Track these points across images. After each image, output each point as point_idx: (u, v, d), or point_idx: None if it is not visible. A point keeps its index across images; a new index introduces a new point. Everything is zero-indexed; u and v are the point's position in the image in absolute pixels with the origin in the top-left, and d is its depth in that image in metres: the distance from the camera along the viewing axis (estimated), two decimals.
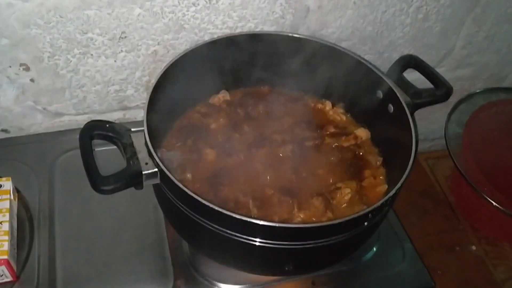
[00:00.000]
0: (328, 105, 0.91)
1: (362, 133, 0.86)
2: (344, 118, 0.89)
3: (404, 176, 0.69)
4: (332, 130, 0.86)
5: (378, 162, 0.83)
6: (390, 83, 0.81)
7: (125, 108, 0.96)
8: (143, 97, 0.94)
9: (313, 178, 0.79)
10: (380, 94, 0.83)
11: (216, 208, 0.62)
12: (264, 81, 0.92)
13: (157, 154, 0.68)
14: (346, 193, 0.76)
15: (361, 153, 0.84)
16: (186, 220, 0.68)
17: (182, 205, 0.67)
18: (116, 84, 0.91)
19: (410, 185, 1.06)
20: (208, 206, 0.62)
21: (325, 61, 0.86)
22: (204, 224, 0.66)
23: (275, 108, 0.89)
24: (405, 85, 0.82)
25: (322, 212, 0.74)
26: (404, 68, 0.87)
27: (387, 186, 0.78)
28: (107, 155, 0.74)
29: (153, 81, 0.76)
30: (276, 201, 0.75)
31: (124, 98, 0.94)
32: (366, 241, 0.77)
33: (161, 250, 0.79)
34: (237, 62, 0.88)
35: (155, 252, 0.79)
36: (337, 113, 0.90)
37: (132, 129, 0.72)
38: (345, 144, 0.84)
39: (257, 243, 0.65)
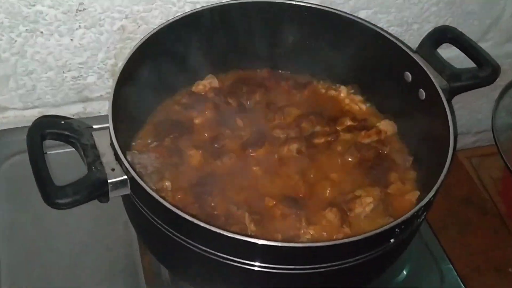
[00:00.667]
0: (343, 91, 0.91)
1: (387, 126, 0.86)
2: (363, 107, 0.90)
3: (440, 180, 0.69)
4: (348, 123, 0.87)
5: (407, 163, 0.83)
6: (420, 62, 0.81)
7: (85, 100, 0.96)
8: (108, 86, 0.95)
9: (325, 184, 0.79)
10: (408, 76, 0.83)
11: (203, 224, 0.62)
12: (262, 62, 0.93)
13: (126, 158, 0.68)
14: (367, 203, 0.76)
15: (385, 152, 0.84)
16: (165, 241, 0.68)
17: (160, 222, 0.67)
18: (74, 70, 0.91)
19: (449, 190, 1.08)
20: (192, 222, 0.62)
21: (339, 35, 0.86)
22: (188, 245, 0.66)
23: (276, 96, 0.89)
24: (440, 65, 0.83)
25: (337, 227, 0.74)
26: (438, 43, 0.87)
27: (419, 193, 0.79)
28: (62, 160, 0.74)
29: (121, 65, 0.76)
30: (278, 214, 0.75)
31: (83, 87, 0.94)
32: (394, 263, 0.77)
33: (134, 278, 0.79)
34: (227, 39, 0.88)
35: (127, 281, 0.79)
36: (354, 102, 0.90)
37: (94, 126, 0.72)
38: (366, 141, 0.85)
39: (256, 268, 0.65)
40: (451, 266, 0.86)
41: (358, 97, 0.90)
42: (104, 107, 0.98)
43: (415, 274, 0.84)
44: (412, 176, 0.82)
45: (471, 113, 1.23)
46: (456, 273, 0.85)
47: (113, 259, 0.81)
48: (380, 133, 0.86)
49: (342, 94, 0.91)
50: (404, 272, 0.85)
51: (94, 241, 0.83)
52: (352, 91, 0.91)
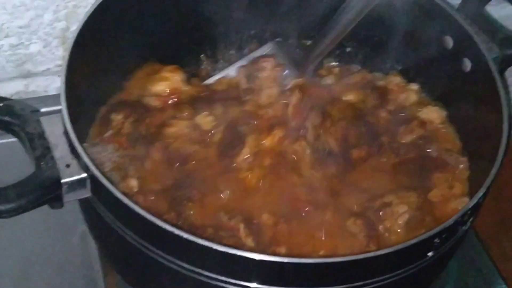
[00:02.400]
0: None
1: (431, 114, 0.87)
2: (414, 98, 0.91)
3: (492, 176, 0.70)
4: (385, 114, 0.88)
5: (460, 164, 0.84)
6: (464, 23, 0.82)
7: (28, 75, 0.97)
8: (57, 56, 0.95)
9: (347, 188, 0.81)
10: (449, 42, 0.84)
11: (186, 235, 0.62)
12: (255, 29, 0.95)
13: (85, 149, 0.69)
14: (399, 213, 0.77)
15: (431, 150, 0.85)
16: (136, 257, 0.69)
17: (130, 233, 0.68)
18: (12, 35, 0.91)
19: (501, 192, 1.09)
20: (172, 233, 0.62)
21: None
22: (166, 263, 0.66)
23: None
24: (490, 27, 0.84)
25: (362, 244, 0.75)
26: None
27: (467, 200, 0.79)
28: (2, 153, 0.74)
29: (75, 29, 0.77)
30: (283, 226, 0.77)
31: (25, 58, 0.94)
32: (431, 284, 0.79)
33: None
34: None
35: None
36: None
37: (43, 110, 0.73)
38: (406, 140, 0.86)
39: None
40: (505, 286, 0.88)
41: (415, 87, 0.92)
42: (52, 85, 0.98)
43: None
44: (464, 179, 0.83)
45: None
46: None
47: (67, 283, 0.83)
48: (425, 125, 0.87)
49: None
50: None
51: (42, 259, 0.84)
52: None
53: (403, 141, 0.86)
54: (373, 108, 0.89)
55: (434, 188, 0.81)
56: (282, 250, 0.74)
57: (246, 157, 0.81)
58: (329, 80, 0.94)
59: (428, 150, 0.85)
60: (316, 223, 0.77)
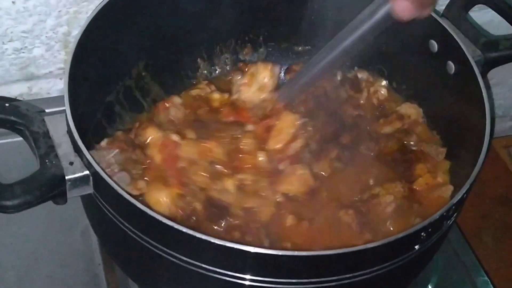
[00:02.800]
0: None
1: (409, 109, 0.88)
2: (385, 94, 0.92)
3: (475, 172, 0.71)
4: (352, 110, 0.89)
5: (440, 155, 0.85)
6: (449, 28, 0.82)
7: (31, 78, 0.96)
8: (59, 60, 0.95)
9: (339, 181, 0.82)
10: (434, 46, 0.85)
11: (185, 230, 0.63)
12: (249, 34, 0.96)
13: (87, 148, 0.69)
14: (387, 203, 0.78)
15: (411, 142, 0.86)
16: (136, 251, 0.69)
17: (131, 227, 0.68)
18: (16, 40, 0.91)
19: (483, 188, 1.09)
20: (172, 228, 0.63)
21: None
22: (165, 256, 0.67)
23: None
24: (473, 31, 0.84)
25: (356, 234, 0.76)
26: (469, 5, 0.88)
27: (452, 188, 0.81)
28: (8, 151, 0.74)
29: (76, 34, 0.77)
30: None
31: (29, 62, 0.94)
32: (417, 276, 0.79)
33: None
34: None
35: None
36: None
37: (47, 110, 0.73)
38: (386, 131, 0.87)
39: (247, 282, 0.66)
40: (486, 278, 0.88)
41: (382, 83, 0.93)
42: (54, 87, 0.98)
43: None
44: (445, 168, 0.84)
45: (509, 92, 1.25)
46: (493, 287, 0.88)
47: (69, 275, 0.83)
48: (403, 118, 0.88)
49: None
50: (430, 287, 0.87)
51: (45, 253, 0.84)
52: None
53: (383, 132, 0.87)
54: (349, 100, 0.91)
55: (418, 178, 0.82)
56: (288, 244, 0.76)
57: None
58: None
59: (409, 143, 0.86)
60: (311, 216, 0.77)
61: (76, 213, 0.79)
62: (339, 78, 0.94)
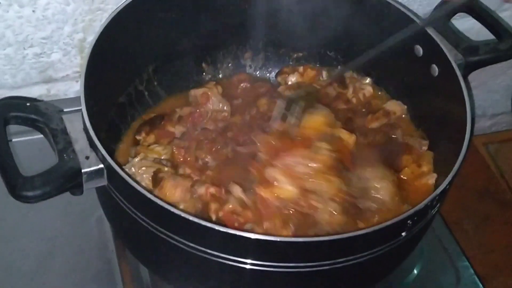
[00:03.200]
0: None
1: (394, 106, 0.89)
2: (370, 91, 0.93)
3: (457, 166, 0.72)
4: (343, 106, 0.90)
5: (423, 147, 0.86)
6: (433, 34, 0.83)
7: (49, 80, 0.97)
8: (75, 64, 0.95)
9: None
10: (419, 50, 0.86)
11: (192, 218, 0.63)
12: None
13: (102, 144, 0.69)
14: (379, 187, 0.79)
15: (396, 136, 0.87)
16: (147, 238, 0.70)
17: (142, 216, 0.68)
18: (36, 45, 0.91)
19: (464, 181, 1.10)
20: (180, 216, 0.63)
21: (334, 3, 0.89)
22: (173, 242, 0.67)
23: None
24: (455, 37, 0.85)
25: (350, 222, 0.76)
26: (452, 13, 0.89)
27: (436, 175, 0.82)
28: (29, 147, 0.74)
29: (92, 40, 0.77)
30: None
31: (48, 66, 0.94)
32: (404, 260, 0.79)
33: (110, 283, 0.81)
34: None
35: (102, 285, 0.81)
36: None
37: (65, 109, 0.73)
38: (374, 125, 0.87)
39: (248, 266, 0.66)
40: (467, 263, 0.89)
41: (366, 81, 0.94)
42: (71, 89, 0.98)
43: (427, 273, 0.87)
44: (429, 159, 0.84)
45: (488, 93, 1.25)
46: (473, 271, 0.88)
47: (85, 261, 0.83)
48: (388, 114, 0.88)
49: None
50: (415, 271, 0.87)
51: (63, 240, 0.84)
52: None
53: (370, 127, 0.87)
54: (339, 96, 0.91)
55: (404, 168, 0.83)
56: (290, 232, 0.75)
57: None
58: (293, 78, 0.95)
59: (394, 136, 0.87)
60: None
61: (91, 204, 0.80)
62: (324, 77, 0.95)
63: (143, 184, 0.78)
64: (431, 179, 0.81)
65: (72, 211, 0.85)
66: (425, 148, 0.86)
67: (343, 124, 0.84)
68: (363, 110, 0.91)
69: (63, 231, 0.85)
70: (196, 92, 0.90)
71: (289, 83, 0.95)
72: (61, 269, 0.82)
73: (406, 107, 0.90)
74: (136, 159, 0.80)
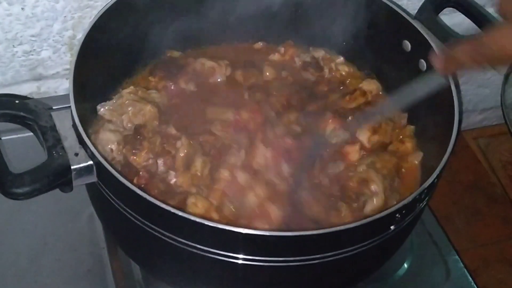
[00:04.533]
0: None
1: (370, 85, 0.90)
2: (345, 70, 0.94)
3: (445, 158, 0.72)
4: (325, 88, 0.91)
5: (402, 120, 0.88)
6: (421, 29, 0.83)
7: (39, 78, 0.97)
8: (65, 61, 0.95)
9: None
10: (407, 45, 0.86)
11: (181, 213, 0.63)
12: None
13: (91, 140, 0.69)
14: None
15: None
16: (138, 234, 0.70)
17: (132, 212, 0.68)
18: (25, 43, 0.91)
19: (454, 175, 1.11)
20: (169, 212, 0.63)
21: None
22: (164, 238, 0.67)
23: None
24: (443, 32, 0.85)
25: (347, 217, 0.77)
26: (440, 8, 0.88)
27: (422, 154, 0.83)
28: (18, 144, 0.74)
29: (80, 37, 0.77)
30: None
31: (37, 63, 0.94)
32: (393, 254, 0.80)
33: (101, 281, 0.81)
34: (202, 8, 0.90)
35: (93, 284, 0.81)
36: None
37: (54, 107, 0.73)
38: (352, 106, 0.88)
39: (240, 261, 0.67)
40: (457, 257, 0.89)
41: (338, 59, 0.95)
42: (61, 86, 0.98)
43: (417, 267, 0.87)
44: (411, 134, 0.86)
45: (478, 88, 1.25)
46: (463, 265, 0.88)
47: (76, 258, 0.83)
48: (365, 94, 0.89)
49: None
50: (405, 265, 0.87)
51: (54, 238, 0.84)
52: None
53: (349, 107, 0.88)
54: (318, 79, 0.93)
55: (387, 146, 0.85)
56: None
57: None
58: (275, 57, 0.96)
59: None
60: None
61: (82, 201, 0.79)
62: (299, 63, 0.95)
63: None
64: (417, 157, 0.83)
65: (63, 208, 0.85)
66: (404, 121, 0.87)
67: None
68: (340, 88, 0.92)
69: (54, 229, 0.85)
70: (205, 62, 0.91)
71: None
72: (52, 267, 0.82)
73: (380, 85, 0.91)
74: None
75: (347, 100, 0.89)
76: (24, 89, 0.97)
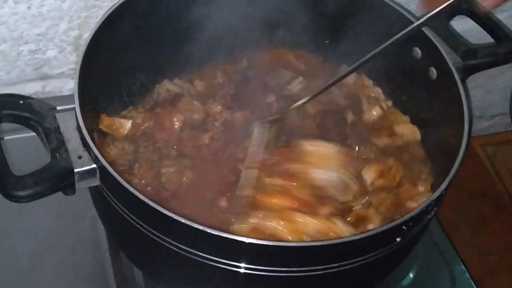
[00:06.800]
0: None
1: (406, 130, 0.86)
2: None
3: (454, 170, 0.71)
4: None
5: (423, 175, 0.83)
6: (432, 36, 0.82)
7: (44, 77, 0.96)
8: (71, 61, 0.95)
9: None
10: (417, 52, 0.85)
11: (184, 220, 0.62)
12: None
13: (95, 143, 0.69)
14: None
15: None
16: (140, 239, 0.69)
17: (134, 218, 0.67)
18: (31, 42, 0.91)
19: (461, 183, 1.10)
20: (172, 218, 0.62)
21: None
22: (166, 244, 0.66)
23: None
24: (454, 40, 0.84)
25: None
26: (452, 15, 0.88)
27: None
28: (21, 146, 0.73)
29: (87, 37, 0.77)
30: None
31: (43, 63, 0.94)
32: (398, 265, 0.79)
33: (103, 284, 0.81)
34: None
35: (95, 286, 0.81)
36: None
37: (58, 108, 0.72)
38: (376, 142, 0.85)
39: (242, 270, 0.66)
40: (463, 267, 0.88)
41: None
42: (66, 86, 0.98)
43: (423, 277, 0.87)
44: (427, 184, 0.82)
45: (486, 94, 1.24)
46: (469, 275, 0.87)
47: (78, 261, 0.82)
48: (395, 136, 0.86)
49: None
50: (411, 275, 0.86)
51: (56, 240, 0.83)
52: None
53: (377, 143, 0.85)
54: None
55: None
56: None
57: None
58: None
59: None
60: None
61: (85, 203, 0.79)
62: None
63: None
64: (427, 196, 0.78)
65: (66, 210, 0.84)
66: (424, 176, 0.83)
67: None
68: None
69: (56, 230, 0.84)
70: None
71: None
72: (53, 269, 0.81)
73: (420, 135, 0.87)
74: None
75: (372, 135, 0.85)
76: (29, 88, 0.97)
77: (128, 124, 0.82)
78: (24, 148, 0.74)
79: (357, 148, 0.83)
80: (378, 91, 0.92)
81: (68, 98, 0.73)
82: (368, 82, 0.92)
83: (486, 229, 1.07)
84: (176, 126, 0.82)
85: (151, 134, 0.82)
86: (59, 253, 0.82)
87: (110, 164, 0.67)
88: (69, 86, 0.98)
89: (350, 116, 0.87)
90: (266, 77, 0.91)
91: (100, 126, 0.80)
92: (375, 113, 0.88)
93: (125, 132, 0.81)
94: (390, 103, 0.91)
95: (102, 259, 0.83)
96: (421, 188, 0.80)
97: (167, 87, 0.88)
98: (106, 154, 0.78)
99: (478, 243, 1.04)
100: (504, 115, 1.22)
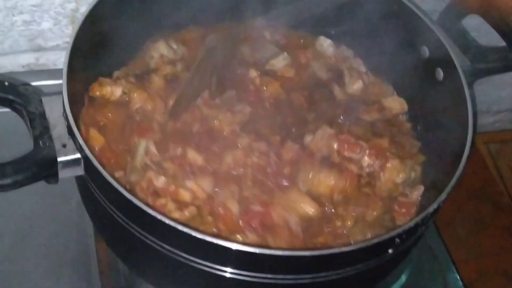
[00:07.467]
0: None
1: (394, 103, 0.85)
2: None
3: (453, 182, 0.69)
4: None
5: (414, 148, 0.82)
6: (441, 36, 0.79)
7: (38, 49, 0.94)
8: (66, 34, 0.93)
9: None
10: (425, 51, 0.82)
11: (167, 221, 0.60)
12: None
13: (80, 131, 0.67)
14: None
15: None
16: (122, 234, 0.67)
17: (117, 212, 0.66)
18: (26, 13, 0.89)
19: (461, 181, 1.07)
20: (154, 217, 0.60)
21: None
22: (148, 242, 0.65)
23: None
24: (465, 41, 0.82)
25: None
26: (464, 14, 0.85)
27: (423, 188, 0.78)
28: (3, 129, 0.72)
29: (84, 11, 0.75)
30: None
31: (37, 34, 0.92)
32: (390, 273, 0.77)
33: (86, 270, 0.80)
34: None
35: (77, 272, 0.80)
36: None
37: (45, 91, 0.71)
38: (365, 118, 0.83)
39: (228, 275, 0.64)
40: (457, 275, 0.87)
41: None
42: (60, 59, 0.94)
43: (415, 280, 0.86)
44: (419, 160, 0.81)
45: (493, 89, 1.21)
46: (462, 283, 0.87)
47: (62, 245, 0.81)
48: (384, 110, 0.84)
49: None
50: (403, 278, 0.86)
51: (41, 221, 0.82)
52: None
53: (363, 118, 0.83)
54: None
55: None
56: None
57: None
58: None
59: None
60: None
61: (72, 186, 0.77)
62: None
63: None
64: (418, 191, 0.77)
65: (52, 191, 0.80)
66: (415, 150, 0.81)
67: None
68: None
69: (41, 211, 0.83)
70: None
71: None
72: (36, 251, 0.81)
73: (407, 106, 0.85)
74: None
75: (361, 110, 0.83)
76: (22, 60, 0.95)
77: (118, 91, 0.79)
78: (6, 131, 0.73)
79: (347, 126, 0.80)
80: (358, 62, 0.90)
81: (61, 72, 0.70)
82: (348, 52, 0.90)
83: (482, 229, 1.04)
84: None
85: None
86: (43, 235, 0.81)
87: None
88: (64, 59, 0.95)
89: (337, 91, 0.85)
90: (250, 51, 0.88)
91: (91, 94, 0.77)
92: (357, 86, 0.86)
93: (116, 98, 0.79)
94: (371, 75, 0.89)
95: (86, 244, 0.82)
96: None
97: (162, 51, 0.86)
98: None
99: (473, 244, 1.01)
100: (511, 111, 1.19)
